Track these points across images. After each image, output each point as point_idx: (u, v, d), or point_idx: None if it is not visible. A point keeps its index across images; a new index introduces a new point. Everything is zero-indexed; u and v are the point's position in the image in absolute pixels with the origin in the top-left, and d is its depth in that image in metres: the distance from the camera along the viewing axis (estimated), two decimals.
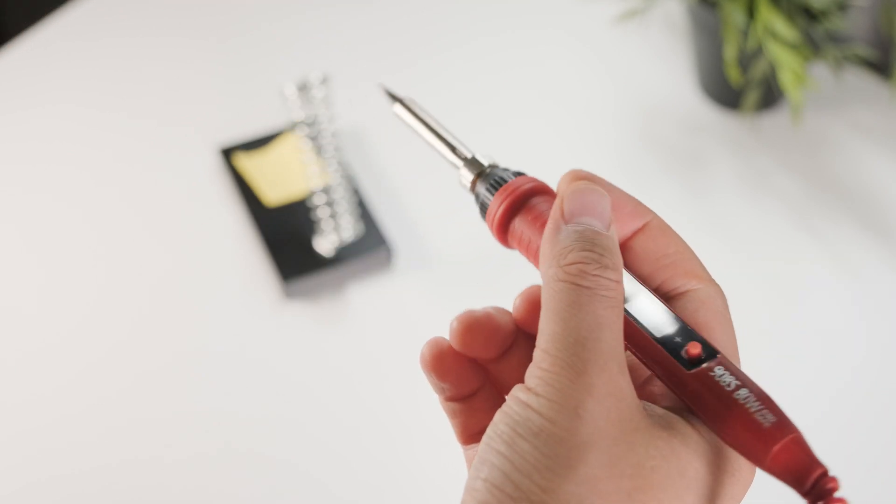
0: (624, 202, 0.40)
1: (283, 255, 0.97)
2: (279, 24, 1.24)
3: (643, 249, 0.40)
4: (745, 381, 0.35)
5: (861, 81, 1.11)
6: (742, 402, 0.35)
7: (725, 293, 0.41)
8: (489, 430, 0.35)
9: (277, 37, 1.22)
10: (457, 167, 0.44)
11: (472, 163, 0.43)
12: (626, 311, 0.38)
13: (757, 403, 0.35)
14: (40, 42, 1.23)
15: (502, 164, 0.43)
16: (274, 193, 1.02)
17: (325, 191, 0.95)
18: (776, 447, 0.34)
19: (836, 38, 1.04)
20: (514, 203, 0.41)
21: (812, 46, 1.00)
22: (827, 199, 1.01)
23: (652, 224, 0.40)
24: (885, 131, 1.07)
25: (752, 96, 1.03)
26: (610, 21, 1.16)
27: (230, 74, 1.18)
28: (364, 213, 1.00)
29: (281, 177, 1.04)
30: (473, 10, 1.24)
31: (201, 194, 1.05)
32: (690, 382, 0.36)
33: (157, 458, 0.86)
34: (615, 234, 0.38)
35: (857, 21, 1.08)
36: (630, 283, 0.39)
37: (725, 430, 0.35)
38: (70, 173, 1.09)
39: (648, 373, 0.39)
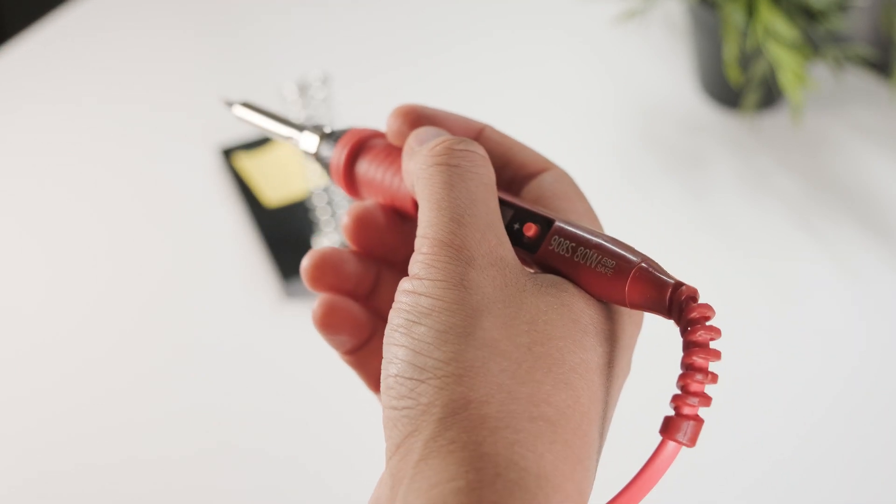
0: (455, 120, 0.42)
1: (283, 254, 0.97)
2: (279, 23, 1.24)
3: (487, 150, 0.41)
4: (579, 239, 0.36)
5: (861, 81, 1.11)
6: (582, 261, 0.36)
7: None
8: (386, 331, 0.35)
9: (277, 36, 1.22)
10: (298, 141, 0.45)
11: (313, 130, 0.45)
12: None
13: (595, 255, 0.36)
14: (38, 42, 1.23)
15: None
16: (274, 193, 1.02)
17: (325, 191, 0.96)
18: (625, 288, 0.35)
19: (836, 38, 1.04)
20: (354, 148, 0.43)
21: (812, 46, 1.00)
22: (827, 199, 1.01)
23: (486, 131, 0.42)
24: (885, 131, 1.07)
25: (752, 96, 1.03)
26: (610, 21, 1.16)
27: (230, 74, 1.18)
28: None
29: (281, 177, 1.04)
30: (473, 10, 1.24)
31: (201, 194, 1.05)
32: (540, 263, 0.37)
33: (157, 456, 0.86)
34: None
35: (857, 21, 1.08)
36: None
37: (586, 289, 0.36)
38: (70, 174, 1.09)
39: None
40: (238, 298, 0.96)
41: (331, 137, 0.44)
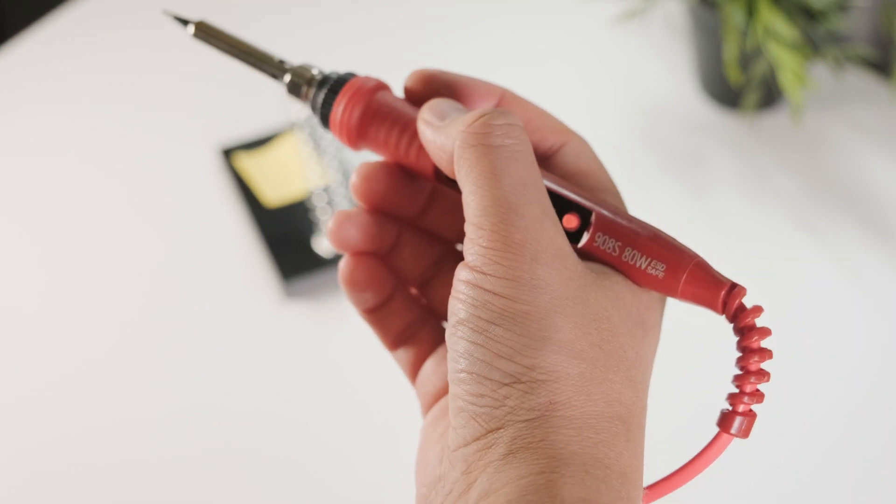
0: (474, 85, 0.42)
1: (283, 255, 0.97)
2: (279, 23, 1.24)
3: None
4: (626, 238, 0.37)
5: (861, 81, 1.11)
6: (631, 262, 0.36)
7: None
8: (451, 321, 0.35)
9: (277, 36, 1.22)
10: (279, 78, 0.42)
11: (298, 73, 0.42)
12: None
13: (644, 259, 0.36)
14: (38, 42, 1.23)
15: None
16: (274, 193, 1.02)
17: (325, 191, 0.96)
18: (679, 288, 0.36)
19: (836, 38, 1.04)
20: (358, 103, 0.41)
21: (812, 46, 1.00)
22: (827, 199, 1.01)
23: (506, 96, 0.42)
24: (885, 131, 1.07)
25: (752, 96, 1.03)
26: (610, 21, 1.16)
27: (230, 74, 1.18)
28: None
29: (281, 177, 1.04)
30: (473, 10, 1.24)
31: (201, 194, 1.05)
32: (584, 254, 0.37)
33: (157, 456, 0.86)
34: None
35: (857, 21, 1.08)
36: None
37: (636, 282, 0.37)
38: (69, 174, 1.09)
39: None
40: (238, 298, 0.96)
41: (324, 84, 0.42)
